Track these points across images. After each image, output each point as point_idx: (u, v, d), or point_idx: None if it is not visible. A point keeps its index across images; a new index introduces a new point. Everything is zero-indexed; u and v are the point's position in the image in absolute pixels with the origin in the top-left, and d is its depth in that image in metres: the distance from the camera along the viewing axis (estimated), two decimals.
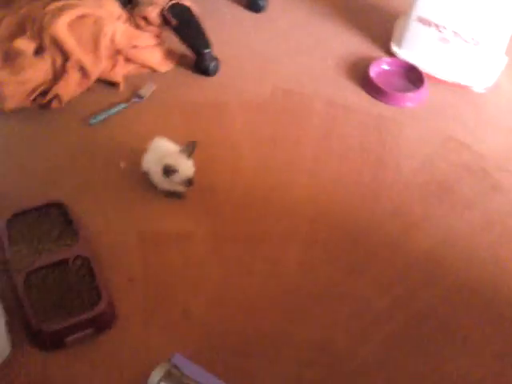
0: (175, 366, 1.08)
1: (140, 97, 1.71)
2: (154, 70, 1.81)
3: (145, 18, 1.79)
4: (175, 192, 1.44)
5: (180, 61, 1.85)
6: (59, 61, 1.66)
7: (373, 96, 1.79)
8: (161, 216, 1.42)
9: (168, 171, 1.37)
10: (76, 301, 1.18)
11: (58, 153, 1.55)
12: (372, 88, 1.80)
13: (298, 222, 1.44)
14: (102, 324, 1.17)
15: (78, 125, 1.62)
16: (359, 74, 1.86)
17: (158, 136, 1.46)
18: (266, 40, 1.98)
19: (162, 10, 1.80)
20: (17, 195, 1.43)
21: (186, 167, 1.39)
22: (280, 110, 1.74)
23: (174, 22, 1.80)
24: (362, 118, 1.73)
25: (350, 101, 1.78)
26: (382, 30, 2.03)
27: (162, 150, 1.43)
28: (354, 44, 1.99)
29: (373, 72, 1.84)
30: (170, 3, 1.82)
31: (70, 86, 1.65)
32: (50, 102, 1.62)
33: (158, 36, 1.84)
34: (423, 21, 1.83)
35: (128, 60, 1.78)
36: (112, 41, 1.71)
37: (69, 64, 1.65)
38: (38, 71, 1.63)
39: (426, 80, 1.82)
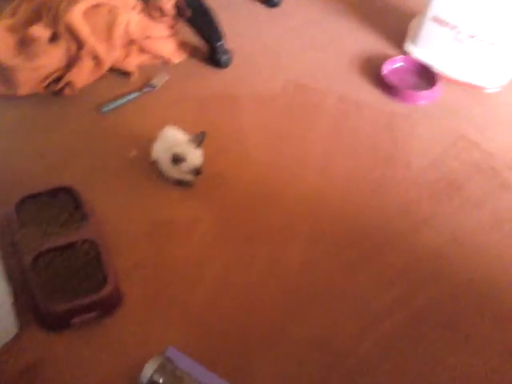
0: (169, 359, 1.08)
1: (152, 86, 1.71)
2: (166, 61, 1.82)
3: (159, 9, 1.80)
4: (183, 180, 1.44)
5: (193, 52, 1.86)
6: (73, 48, 1.67)
7: (385, 93, 1.79)
8: (169, 204, 1.42)
9: (176, 160, 1.38)
10: (83, 284, 1.18)
11: (69, 139, 1.56)
12: (385, 85, 1.80)
13: (302, 218, 1.43)
14: (107, 307, 1.18)
15: (89, 112, 1.63)
16: (372, 72, 1.86)
17: (168, 125, 1.47)
18: (279, 35, 1.98)
19: (177, 1, 1.81)
20: (28, 180, 1.44)
21: (195, 156, 1.40)
22: (291, 104, 1.74)
23: (188, 13, 1.81)
24: (374, 115, 1.72)
25: (362, 97, 1.77)
26: (397, 29, 2.02)
27: (172, 140, 1.44)
28: (368, 42, 1.99)
29: (386, 69, 1.83)
30: None
31: (83, 74, 1.67)
32: (62, 88, 1.64)
33: (171, 27, 1.85)
34: (438, 20, 1.82)
35: (141, 50, 1.79)
36: (126, 30, 1.72)
37: (83, 52, 1.66)
38: (51, 58, 1.64)
39: (439, 79, 1.81)
